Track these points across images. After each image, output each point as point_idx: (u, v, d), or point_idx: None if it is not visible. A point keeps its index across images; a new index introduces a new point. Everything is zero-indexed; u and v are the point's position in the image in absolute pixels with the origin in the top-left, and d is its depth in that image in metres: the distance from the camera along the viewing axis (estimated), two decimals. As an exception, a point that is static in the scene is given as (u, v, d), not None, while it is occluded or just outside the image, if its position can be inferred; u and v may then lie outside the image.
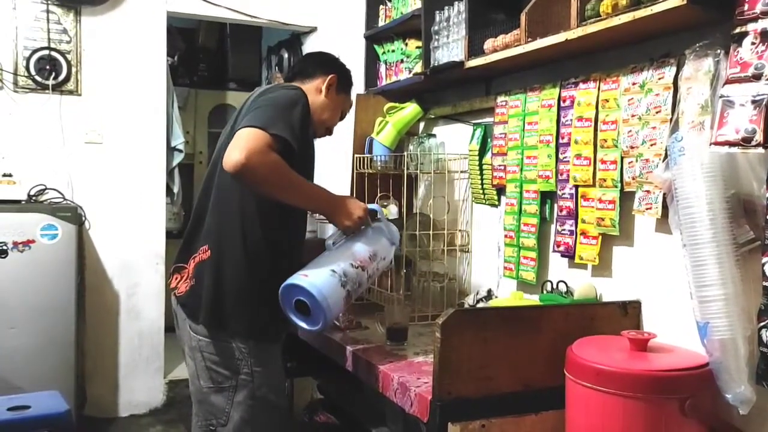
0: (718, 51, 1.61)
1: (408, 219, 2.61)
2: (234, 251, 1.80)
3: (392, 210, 2.82)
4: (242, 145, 1.62)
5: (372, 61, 3.25)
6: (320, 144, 2.54)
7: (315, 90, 2.01)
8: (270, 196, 1.73)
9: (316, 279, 1.74)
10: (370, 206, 1.99)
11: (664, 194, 1.75)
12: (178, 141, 4.12)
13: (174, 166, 4.18)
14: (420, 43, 2.73)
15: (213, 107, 5.71)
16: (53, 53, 3.55)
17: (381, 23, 3.16)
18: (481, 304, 2.37)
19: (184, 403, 3.80)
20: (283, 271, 1.85)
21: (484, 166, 2.57)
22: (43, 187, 3.48)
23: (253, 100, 1.82)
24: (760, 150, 1.43)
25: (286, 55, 4.71)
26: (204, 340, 1.81)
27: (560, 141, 2.17)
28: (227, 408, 1.79)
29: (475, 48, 2.34)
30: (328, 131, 2.12)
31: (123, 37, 3.70)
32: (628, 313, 1.91)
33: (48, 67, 3.54)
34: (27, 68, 3.52)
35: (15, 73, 3.50)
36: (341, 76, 2.08)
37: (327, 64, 2.09)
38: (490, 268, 2.59)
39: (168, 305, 3.75)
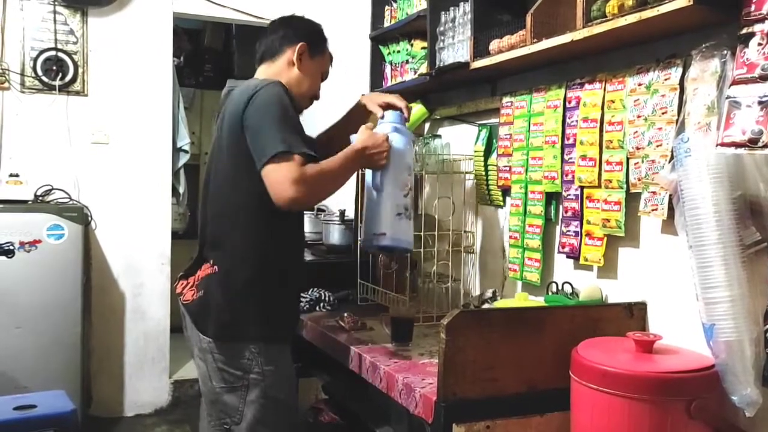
0: (725, 52, 1.60)
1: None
2: (240, 264, 1.81)
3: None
4: (287, 180, 1.68)
5: (377, 61, 3.25)
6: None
7: (287, 64, 1.97)
8: None
9: (394, 232, 1.97)
10: (384, 117, 2.08)
11: (670, 195, 1.75)
12: (184, 142, 4.14)
13: (180, 167, 4.20)
14: (425, 44, 2.73)
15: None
16: (60, 54, 3.57)
17: (386, 24, 3.16)
18: (486, 306, 2.36)
19: (190, 403, 3.82)
20: (290, 274, 1.90)
21: (490, 167, 2.57)
22: (50, 188, 3.50)
23: (245, 113, 1.76)
24: (767, 151, 1.43)
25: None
26: (213, 343, 1.82)
27: (566, 142, 2.16)
28: (241, 407, 1.80)
29: (480, 49, 2.33)
30: (314, 98, 2.06)
31: (129, 38, 3.71)
32: (634, 314, 1.90)
33: (54, 67, 3.56)
34: (34, 69, 3.53)
35: (22, 74, 3.52)
36: (310, 40, 1.99)
37: (292, 35, 1.99)
38: (495, 269, 2.58)
39: (174, 305, 3.77)
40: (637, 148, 1.89)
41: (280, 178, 1.68)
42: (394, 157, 1.99)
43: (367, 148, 1.93)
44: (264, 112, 1.75)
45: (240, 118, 1.77)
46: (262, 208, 1.77)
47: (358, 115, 2.22)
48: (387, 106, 2.13)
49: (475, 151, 2.64)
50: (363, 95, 2.26)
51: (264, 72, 1.99)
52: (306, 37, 1.99)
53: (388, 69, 3.18)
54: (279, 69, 1.97)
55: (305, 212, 2.20)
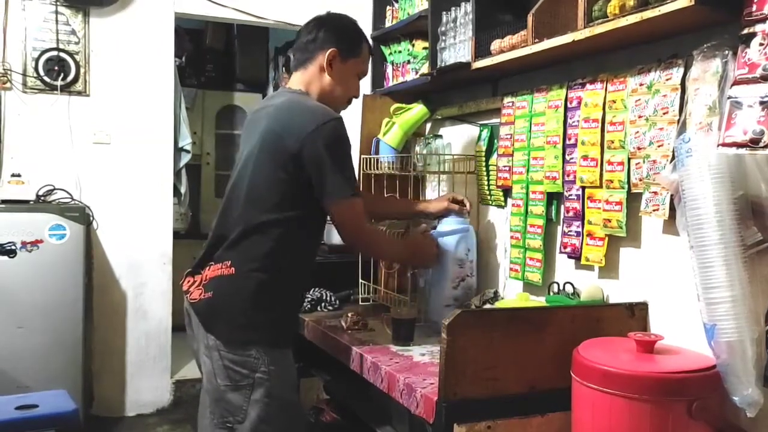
0: (726, 52, 1.60)
1: (414, 220, 2.61)
2: (258, 268, 1.82)
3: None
4: (356, 226, 1.91)
5: (379, 62, 3.25)
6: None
7: (319, 71, 1.96)
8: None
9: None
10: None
11: (672, 196, 1.74)
12: (186, 142, 4.14)
13: (181, 167, 4.20)
14: (427, 44, 2.73)
15: (220, 108, 5.73)
16: (62, 54, 3.58)
17: (388, 24, 3.16)
18: (487, 306, 2.36)
19: (191, 403, 3.82)
20: (301, 282, 1.97)
21: (491, 167, 2.57)
22: (52, 188, 3.51)
23: (304, 144, 1.79)
24: (768, 151, 1.43)
25: (293, 56, 4.72)
26: (220, 341, 1.83)
27: (567, 142, 2.16)
28: (245, 406, 1.80)
29: (481, 49, 2.34)
30: (349, 101, 2.07)
31: (131, 38, 3.72)
32: (635, 314, 1.90)
33: (56, 67, 3.56)
34: (36, 69, 3.54)
35: (24, 74, 3.52)
36: (342, 44, 1.96)
37: (322, 39, 1.96)
38: (496, 269, 2.58)
39: (175, 305, 3.78)
40: (639, 149, 1.89)
41: (348, 222, 1.90)
42: (446, 255, 2.30)
43: (415, 253, 2.26)
44: (330, 151, 1.81)
45: (296, 144, 1.79)
46: (293, 222, 1.83)
47: (414, 210, 2.50)
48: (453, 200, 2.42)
49: (477, 152, 2.64)
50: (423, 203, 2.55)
51: (298, 79, 2.00)
52: (337, 40, 1.96)
53: (389, 69, 3.18)
54: (311, 76, 1.97)
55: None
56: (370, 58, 2.08)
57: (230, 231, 1.86)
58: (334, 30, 1.98)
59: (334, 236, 3.09)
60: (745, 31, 1.50)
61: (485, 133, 2.61)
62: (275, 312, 1.85)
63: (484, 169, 2.60)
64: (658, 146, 1.82)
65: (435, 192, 2.84)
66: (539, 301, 2.18)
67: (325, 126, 1.81)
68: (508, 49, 2.19)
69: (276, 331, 1.85)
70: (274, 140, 1.83)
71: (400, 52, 3.06)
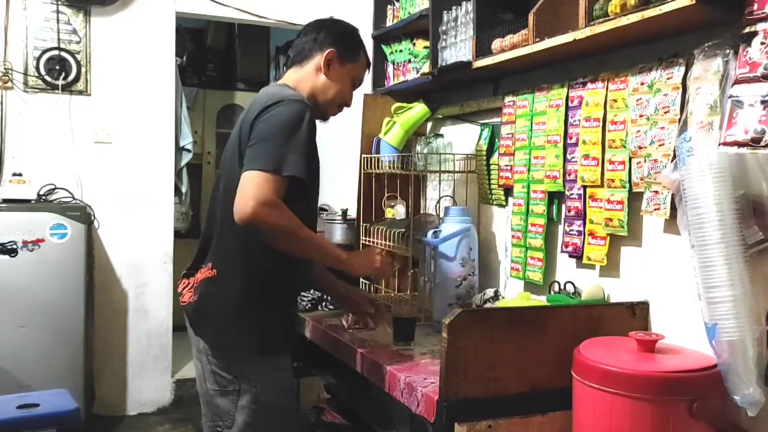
0: (727, 51, 1.60)
1: (415, 219, 2.61)
2: (239, 274, 1.78)
3: (399, 210, 2.82)
4: (251, 195, 1.59)
5: (380, 61, 3.25)
6: (328, 144, 2.53)
7: (315, 70, 1.91)
8: (278, 249, 1.71)
9: None
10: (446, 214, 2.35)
11: (673, 195, 1.74)
12: (187, 141, 4.15)
13: (182, 166, 4.21)
14: (428, 43, 2.73)
15: (221, 107, 5.74)
16: (63, 53, 3.58)
17: (389, 23, 3.16)
18: (488, 305, 2.36)
19: (192, 402, 3.82)
20: (290, 287, 1.89)
21: (492, 167, 2.57)
22: (53, 187, 3.51)
23: (256, 119, 1.72)
24: (770, 150, 1.42)
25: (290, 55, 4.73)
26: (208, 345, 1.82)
27: (568, 141, 2.16)
28: (232, 411, 1.78)
29: (482, 48, 2.33)
30: (341, 107, 2.00)
31: (132, 38, 3.72)
32: (636, 314, 1.90)
33: (58, 67, 3.57)
34: (37, 68, 3.54)
35: (25, 74, 3.53)
36: (341, 47, 1.93)
37: (322, 40, 1.93)
38: (497, 268, 2.58)
39: (176, 305, 3.77)
40: (640, 148, 1.89)
41: (249, 191, 1.60)
42: (443, 259, 2.32)
43: (360, 255, 1.99)
44: (275, 124, 1.69)
45: (250, 126, 1.73)
46: None
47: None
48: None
49: (478, 151, 2.64)
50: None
51: (291, 76, 1.95)
52: (336, 42, 1.92)
53: (390, 68, 3.18)
54: (306, 74, 1.92)
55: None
56: (367, 71, 2.04)
57: (214, 232, 1.84)
58: (335, 32, 1.95)
59: (334, 235, 3.11)
60: (747, 29, 1.50)
61: (486, 133, 2.61)
62: (261, 315, 1.79)
63: (485, 168, 2.60)
64: (659, 145, 1.82)
65: (436, 191, 2.84)
66: (540, 300, 2.18)
67: (281, 102, 1.71)
68: (509, 48, 2.19)
69: (264, 335, 1.79)
70: (243, 129, 1.77)
71: (400, 51, 3.06)
